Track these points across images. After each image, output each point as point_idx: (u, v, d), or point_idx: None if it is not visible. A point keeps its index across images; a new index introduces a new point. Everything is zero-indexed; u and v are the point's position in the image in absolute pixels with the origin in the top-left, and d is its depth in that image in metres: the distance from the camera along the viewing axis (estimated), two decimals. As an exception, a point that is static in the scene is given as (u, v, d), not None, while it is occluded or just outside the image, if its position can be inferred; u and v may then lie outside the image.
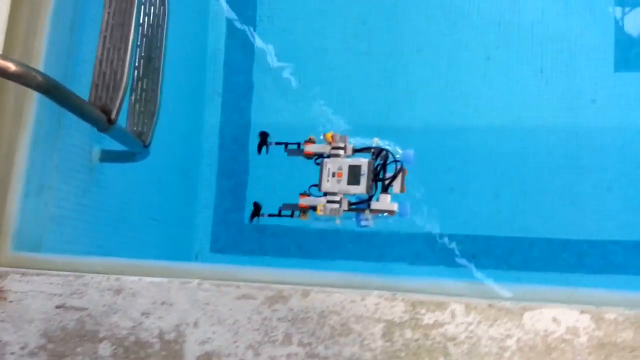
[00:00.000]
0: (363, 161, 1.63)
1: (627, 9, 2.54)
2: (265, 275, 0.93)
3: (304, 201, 1.67)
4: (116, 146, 1.39)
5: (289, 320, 0.91)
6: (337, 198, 1.63)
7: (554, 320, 0.86)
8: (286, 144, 1.78)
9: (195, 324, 0.91)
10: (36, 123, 1.21)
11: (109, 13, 1.18)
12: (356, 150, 1.66)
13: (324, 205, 1.64)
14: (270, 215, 1.77)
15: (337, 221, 1.69)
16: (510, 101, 2.53)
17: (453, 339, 0.86)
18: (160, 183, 2.02)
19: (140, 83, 1.31)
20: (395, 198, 1.71)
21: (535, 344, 0.85)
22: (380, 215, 1.72)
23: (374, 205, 1.65)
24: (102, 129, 1.13)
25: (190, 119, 2.53)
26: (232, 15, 2.67)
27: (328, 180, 1.64)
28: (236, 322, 0.91)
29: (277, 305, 0.91)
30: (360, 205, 1.66)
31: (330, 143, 1.65)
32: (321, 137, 1.70)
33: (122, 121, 1.33)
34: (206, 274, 0.93)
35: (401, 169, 1.66)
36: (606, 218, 2.47)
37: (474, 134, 2.56)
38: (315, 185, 1.69)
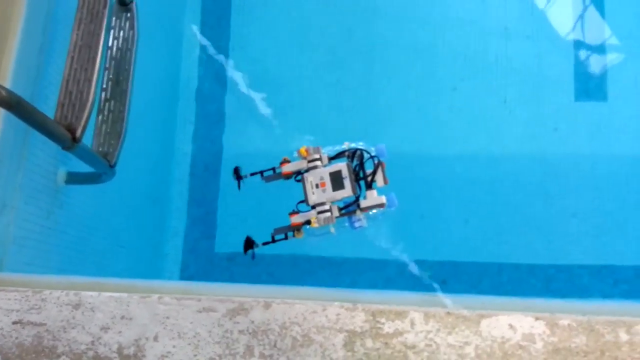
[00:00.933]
0: (341, 165, 1.67)
1: (585, 44, 2.66)
2: (226, 290, 0.93)
3: (296, 219, 1.69)
4: (83, 168, 1.39)
5: (251, 333, 0.91)
6: (326, 207, 1.66)
7: (510, 327, 0.88)
8: (261, 172, 1.80)
9: (155, 338, 0.91)
10: (0, 142, 1.21)
11: (77, 35, 1.20)
12: (332, 158, 1.70)
13: (316, 217, 1.65)
14: (264, 243, 1.78)
15: (332, 229, 1.71)
16: (477, 130, 2.60)
17: (413, 347, 0.87)
18: (128, 209, 2.00)
19: (107, 104, 1.32)
20: (380, 192, 1.74)
21: (493, 350, 0.86)
22: (371, 212, 1.74)
23: (363, 203, 1.68)
24: (66, 147, 1.13)
25: (162, 146, 2.53)
26: (206, 43, 2.71)
27: (313, 193, 1.67)
28: (197, 335, 0.90)
29: (239, 317, 0.91)
30: (350, 208, 1.68)
31: (305, 157, 1.68)
32: (295, 155, 1.73)
33: (88, 141, 1.34)
34: (167, 290, 0.93)
35: (379, 163, 1.71)
36: (572, 243, 2.53)
37: (442, 162, 2.62)
38: (302, 202, 1.71)
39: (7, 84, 1.21)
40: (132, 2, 1.39)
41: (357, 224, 1.71)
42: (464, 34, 2.68)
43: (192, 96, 2.68)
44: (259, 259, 2.57)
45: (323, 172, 1.65)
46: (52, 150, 1.27)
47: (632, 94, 2.58)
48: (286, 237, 1.71)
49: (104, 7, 1.20)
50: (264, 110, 2.65)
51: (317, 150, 1.66)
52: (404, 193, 2.57)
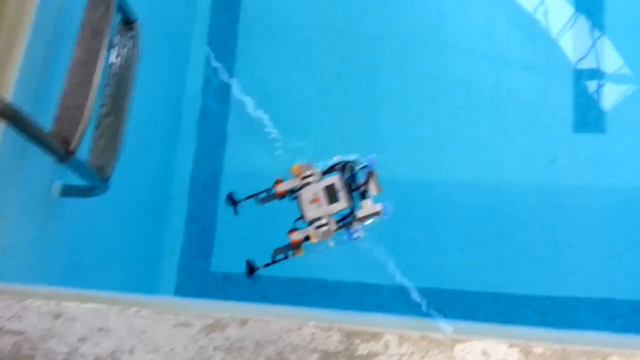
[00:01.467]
0: (334, 179, 1.70)
1: (586, 76, 2.69)
2: (203, 306, 0.95)
3: (295, 236, 1.71)
4: (79, 182, 1.41)
5: (225, 349, 0.92)
6: (323, 221, 1.67)
7: (484, 353, 0.88)
8: (255, 195, 1.82)
9: (131, 351, 0.92)
10: (-5, 154, 1.24)
11: (79, 51, 1.24)
12: (324, 173, 1.72)
13: (315, 232, 1.67)
14: (266, 265, 1.79)
15: (331, 243, 1.72)
16: (475, 158, 2.62)
17: (385, 370, 0.88)
18: (123, 224, 2.02)
19: (106, 119, 1.36)
20: (375, 200, 1.76)
21: (464, 376, 0.87)
22: (367, 222, 1.76)
23: (359, 213, 1.71)
24: (60, 159, 1.16)
25: (162, 163, 2.56)
26: (212, 64, 2.76)
27: (310, 209, 1.69)
28: (172, 350, 0.91)
29: (214, 333, 0.92)
30: (346, 220, 1.70)
31: (298, 175, 1.71)
32: (289, 174, 1.75)
33: (83, 155, 1.37)
34: (145, 304, 0.94)
35: (371, 172, 1.72)
36: (567, 274, 2.52)
37: (439, 188, 2.63)
38: (300, 219, 1.73)
39: (9, 96, 1.25)
40: (135, 22, 1.43)
41: (355, 235, 1.73)
42: (465, 62, 2.71)
43: (195, 114, 2.72)
44: (254, 280, 2.58)
45: (317, 188, 1.68)
46: (49, 164, 1.29)
47: (631, 127, 2.59)
48: (286, 257, 1.73)
49: (106, 26, 1.24)
50: (266, 131, 2.68)
51: (308, 167, 1.69)
52: (400, 218, 2.58)
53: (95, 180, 1.30)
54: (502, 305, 2.52)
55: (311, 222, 1.70)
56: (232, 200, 1.74)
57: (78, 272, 1.70)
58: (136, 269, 2.29)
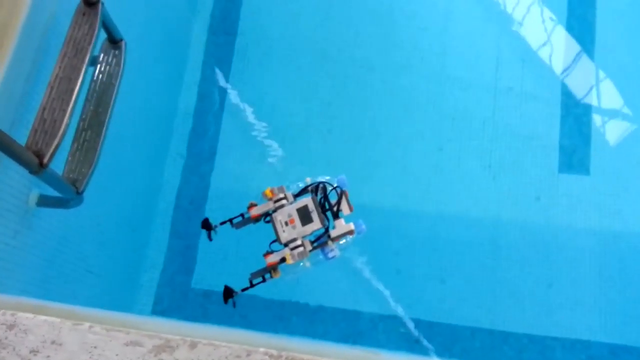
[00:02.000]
0: (307, 200, 1.72)
1: (573, 117, 2.72)
2: (155, 325, 0.96)
3: (271, 259, 1.73)
4: (56, 193, 1.44)
5: (173, 370, 0.93)
6: (298, 242, 1.70)
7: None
8: (230, 220, 1.84)
9: (81, 366, 0.93)
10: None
11: (60, 67, 1.27)
12: (296, 195, 1.75)
13: (290, 254, 1.69)
14: (243, 290, 1.81)
15: (307, 263, 1.74)
16: (459, 191, 2.64)
17: (327, 401, 0.89)
18: (103, 236, 2.04)
19: (84, 134, 1.39)
20: (347, 220, 1.78)
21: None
22: (342, 241, 1.77)
23: (333, 233, 1.72)
24: (33, 171, 1.18)
25: (150, 177, 2.59)
26: (220, 83, 2.81)
27: (284, 231, 1.71)
28: (121, 367, 0.93)
29: (164, 354, 0.94)
30: (321, 240, 1.72)
31: (271, 198, 1.73)
32: (261, 197, 1.78)
33: (59, 167, 1.39)
34: (98, 319, 0.96)
35: (342, 192, 1.75)
36: (546, 313, 2.53)
37: (423, 220, 2.65)
38: (275, 241, 1.75)
39: (-12, 107, 1.28)
40: (121, 40, 1.46)
41: (330, 255, 1.75)
42: (454, 96, 2.76)
43: (186, 132, 2.75)
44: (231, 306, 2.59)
45: (290, 210, 1.71)
46: (27, 173, 1.32)
47: (614, 172, 2.63)
48: (264, 280, 1.74)
49: (89, 44, 1.28)
50: (255, 152, 2.72)
51: (281, 190, 1.72)
52: (383, 247, 2.60)
53: (68, 193, 1.32)
54: (480, 340, 2.52)
55: (286, 244, 1.73)
56: (207, 225, 1.76)
57: (52, 281, 1.71)
58: (115, 282, 2.30)
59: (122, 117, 1.81)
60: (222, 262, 2.63)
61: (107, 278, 2.15)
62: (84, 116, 1.41)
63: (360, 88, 2.78)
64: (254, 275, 1.79)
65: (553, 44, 2.82)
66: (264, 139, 2.73)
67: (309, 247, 1.71)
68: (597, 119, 2.71)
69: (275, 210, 1.70)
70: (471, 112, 2.73)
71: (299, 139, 2.76)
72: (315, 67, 2.81)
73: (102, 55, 1.44)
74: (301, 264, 1.75)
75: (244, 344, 0.96)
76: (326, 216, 1.73)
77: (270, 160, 2.70)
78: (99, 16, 1.27)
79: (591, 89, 2.75)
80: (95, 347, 0.94)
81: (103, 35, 1.46)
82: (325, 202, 1.73)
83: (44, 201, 1.48)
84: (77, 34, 1.25)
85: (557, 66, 2.79)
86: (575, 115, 2.72)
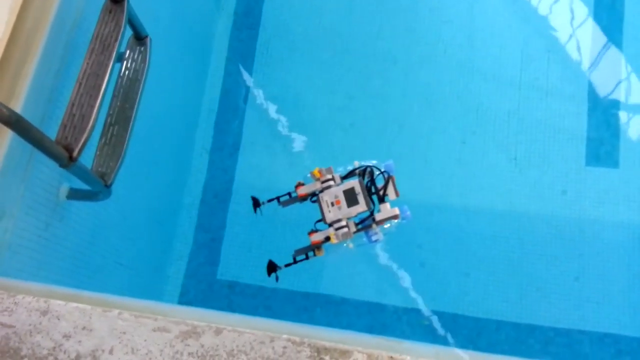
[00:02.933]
0: (354, 182, 1.75)
1: (600, 109, 2.68)
2: (182, 312, 0.99)
3: (315, 237, 1.76)
4: (85, 187, 1.48)
5: (199, 356, 0.95)
6: (343, 223, 1.72)
7: (445, 378, 0.90)
8: (277, 198, 1.86)
9: (111, 351, 0.96)
10: (7, 155, 1.31)
11: (87, 63, 1.31)
12: (343, 177, 1.78)
13: (334, 233, 1.71)
14: (286, 265, 1.84)
15: (350, 245, 1.77)
16: (483, 185, 2.63)
17: (348, 387, 0.90)
18: (132, 229, 2.09)
19: (111, 128, 1.42)
20: (393, 204, 1.79)
21: (425, 399, 0.88)
22: (386, 225, 1.79)
23: (378, 216, 1.74)
24: (63, 165, 1.22)
25: (176, 172, 2.64)
26: (244, 78, 2.84)
27: (330, 211, 1.74)
28: (149, 352, 0.96)
29: (190, 340, 0.96)
30: (365, 223, 1.74)
31: (319, 179, 1.77)
32: (308, 176, 1.81)
33: (88, 161, 1.43)
34: (127, 307, 0.99)
35: (389, 177, 1.77)
36: (573, 307, 2.50)
37: (447, 213, 2.64)
38: (320, 221, 1.78)
39: (20, 103, 1.33)
40: (146, 37, 1.50)
41: (373, 238, 1.78)
42: (478, 88, 2.73)
43: (211, 126, 2.79)
44: (258, 292, 2.62)
45: (337, 191, 1.73)
46: (57, 167, 1.36)
47: (642, 164, 2.58)
48: (307, 257, 1.77)
49: (115, 40, 1.31)
50: (278, 146, 2.74)
51: (329, 171, 1.75)
52: (407, 240, 2.60)
53: (97, 186, 1.36)
54: (505, 333, 2.51)
55: (331, 224, 1.75)
56: (255, 202, 1.81)
57: (82, 272, 1.76)
58: (143, 273, 2.35)
59: (148, 113, 1.85)
60: (246, 254, 2.67)
61: (136, 269, 2.20)
62: (111, 111, 1.45)
63: (383, 81, 2.77)
64: (298, 252, 1.83)
65: (579, 35, 2.77)
66: (287, 133, 2.75)
67: (353, 229, 1.73)
68: (625, 111, 2.67)
69: (322, 191, 1.73)
70: (496, 104, 2.71)
71: (321, 132, 2.77)
72: (338, 61, 2.82)
73: (128, 51, 1.48)
74: (344, 244, 1.78)
75: (267, 331, 0.98)
76: (372, 200, 1.76)
77: (293, 153, 2.72)
78: (124, 13, 1.31)
79: (619, 81, 2.70)
80: (124, 333, 0.97)
81: (129, 32, 1.49)
82: (371, 186, 1.75)
83: (74, 194, 1.52)
84: (103, 31, 1.28)
85: (584, 58, 2.74)
86: (603, 108, 2.68)
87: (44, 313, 1.00)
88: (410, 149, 2.70)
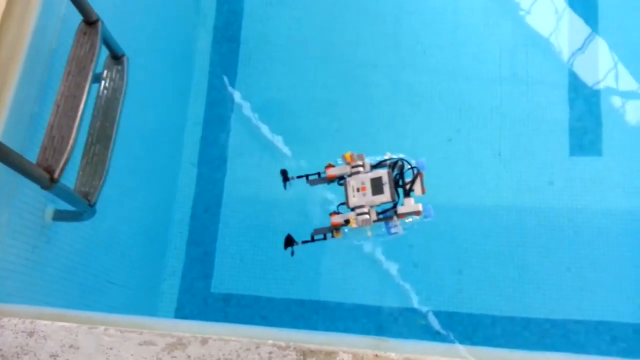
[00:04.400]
0: (382, 172, 1.78)
1: (581, 99, 2.71)
2: (167, 325, 1.00)
3: (336, 218, 1.78)
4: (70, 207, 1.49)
5: (186, 367, 0.96)
6: (365, 210, 1.73)
7: (429, 372, 0.91)
8: (307, 176, 1.90)
9: (99, 368, 0.97)
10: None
11: (65, 86, 1.33)
12: (374, 166, 1.79)
13: (355, 218, 1.72)
14: (304, 242, 1.85)
15: (369, 233, 1.80)
16: (471, 181, 2.65)
17: (333, 387, 0.91)
18: (122, 247, 2.10)
19: (93, 148, 1.44)
20: (417, 201, 1.84)
21: (409, 394, 0.90)
22: (407, 220, 1.81)
23: (400, 209, 1.77)
24: (44, 186, 1.23)
25: (164, 187, 2.65)
26: (212, 93, 2.86)
27: (354, 196, 1.76)
28: (136, 366, 0.97)
29: (176, 352, 0.97)
30: (387, 213, 1.76)
31: (349, 163, 1.79)
32: (339, 160, 1.84)
33: (71, 182, 1.45)
34: (112, 322, 1.00)
35: (418, 173, 1.79)
36: (566, 298, 2.51)
37: (437, 212, 2.65)
38: (343, 204, 1.81)
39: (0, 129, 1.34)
40: (123, 56, 1.52)
41: (393, 230, 1.79)
42: (460, 87, 2.76)
43: (197, 140, 2.81)
44: (253, 302, 2.63)
45: (365, 178, 1.76)
46: (41, 189, 1.37)
47: (626, 150, 2.60)
48: (325, 237, 1.79)
49: (91, 61, 1.33)
50: (265, 156, 2.76)
51: (360, 157, 1.78)
52: (398, 241, 2.61)
53: (81, 206, 1.37)
54: (501, 327, 2.52)
55: (353, 209, 1.76)
56: (284, 176, 1.82)
57: (72, 292, 1.77)
58: (136, 291, 2.35)
59: (132, 130, 1.87)
60: (239, 265, 2.68)
61: (129, 288, 2.21)
62: (91, 131, 1.46)
63: (365, 86, 2.80)
64: (317, 231, 1.85)
65: (557, 26, 2.81)
66: (274, 142, 2.77)
67: (374, 217, 1.76)
68: (605, 99, 2.70)
69: (350, 175, 1.74)
70: (478, 101, 2.73)
71: (307, 139, 2.79)
72: (319, 69, 2.84)
73: (105, 71, 1.49)
74: (364, 232, 1.80)
75: (253, 338, 0.99)
76: (397, 192, 1.77)
77: (281, 162, 2.74)
78: (99, 35, 1.32)
79: (599, 69, 2.73)
80: (110, 349, 0.98)
81: (106, 52, 1.51)
82: (399, 179, 1.77)
83: (59, 215, 1.53)
84: (79, 53, 1.30)
85: (563, 48, 2.77)
86: (584, 97, 2.71)
87: (31, 334, 1.01)
88: (396, 150, 2.71)
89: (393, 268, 2.59)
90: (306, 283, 2.63)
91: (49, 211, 1.52)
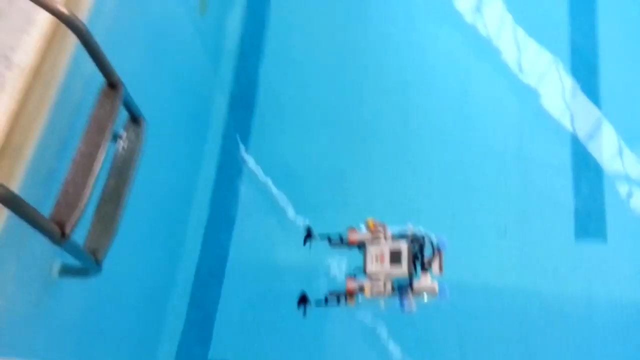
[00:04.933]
0: (403, 245, 1.81)
1: (586, 183, 2.74)
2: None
3: (351, 283, 1.79)
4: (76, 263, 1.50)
5: None
6: (381, 279, 1.75)
7: None
8: (329, 238, 1.93)
9: None
10: (1, 234, 1.35)
11: (84, 143, 1.38)
12: (395, 237, 1.80)
13: (370, 286, 1.74)
14: (317, 304, 1.89)
15: (382, 304, 1.81)
16: (475, 259, 2.64)
17: None
18: (122, 307, 2.09)
19: (105, 206, 1.47)
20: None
21: None
22: (423, 298, 1.78)
23: (416, 284, 1.77)
24: (55, 241, 1.26)
25: (170, 247, 2.65)
26: (224, 155, 2.93)
27: (372, 264, 1.78)
28: None
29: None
30: (403, 288, 1.78)
31: (371, 230, 1.80)
32: (362, 226, 1.86)
33: (80, 238, 1.47)
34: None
35: (439, 251, 1.78)
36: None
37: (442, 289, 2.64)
38: (360, 269, 1.83)
39: (18, 183, 1.38)
40: (142, 118, 1.58)
41: (406, 307, 1.79)
42: (465, 161, 2.81)
43: (206, 201, 2.84)
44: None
45: (384, 247, 1.79)
46: (50, 244, 1.39)
47: (631, 237, 2.60)
48: (338, 302, 1.79)
49: (111, 122, 1.39)
50: (273, 219, 2.79)
51: (383, 227, 1.81)
52: (399, 320, 2.58)
53: (88, 262, 1.39)
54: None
55: (370, 277, 1.78)
56: (309, 233, 1.93)
57: (72, 349, 1.75)
58: (133, 351, 2.32)
59: (143, 189, 1.90)
60: (239, 334, 2.64)
61: (126, 348, 2.18)
62: (105, 189, 1.50)
63: (372, 155, 2.87)
64: (332, 294, 1.85)
65: (562, 108, 2.89)
66: (282, 205, 2.80)
67: (389, 288, 1.76)
68: (610, 183, 2.73)
69: (371, 242, 1.77)
70: (483, 177, 2.78)
71: (316, 206, 2.82)
72: (330, 137, 2.92)
73: (124, 132, 1.55)
74: (377, 303, 1.79)
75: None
76: (415, 267, 1.78)
77: (288, 226, 2.76)
78: (120, 97, 1.39)
79: (602, 152, 2.78)
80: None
81: (125, 113, 1.58)
82: (419, 254, 1.79)
83: (66, 270, 1.54)
84: (100, 113, 1.36)
85: (568, 130, 2.83)
86: (589, 180, 2.74)
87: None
88: (398, 221, 2.73)
89: (393, 343, 2.54)
90: (306, 356, 2.59)
91: (56, 266, 1.53)
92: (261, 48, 3.08)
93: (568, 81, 2.93)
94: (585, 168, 2.77)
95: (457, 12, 3.10)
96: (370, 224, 1.86)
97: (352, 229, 1.89)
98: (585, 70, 2.95)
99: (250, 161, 2.90)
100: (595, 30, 2.99)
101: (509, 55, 2.99)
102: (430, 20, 3.12)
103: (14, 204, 1.09)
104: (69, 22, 1.14)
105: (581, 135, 2.81)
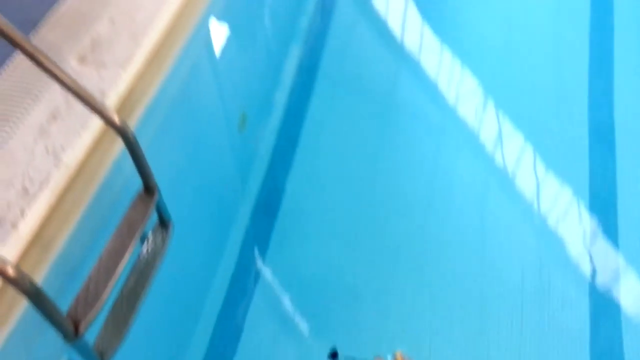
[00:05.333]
0: None
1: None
2: None
3: None
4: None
5: None
6: None
7: None
8: None
9: None
10: (16, 325, 1.35)
11: (112, 243, 1.42)
12: None
13: None
14: None
15: None
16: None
17: None
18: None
19: (119, 307, 1.47)
20: None
21: None
22: None
23: None
24: (67, 339, 1.25)
25: (174, 354, 2.58)
26: (242, 263, 2.94)
27: None
28: None
29: None
30: None
31: None
32: (389, 357, 1.79)
33: (91, 337, 1.46)
34: None
35: None
36: None
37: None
38: None
39: (43, 274, 1.41)
40: (170, 222, 1.62)
41: None
42: (481, 291, 2.77)
43: (215, 312, 2.79)
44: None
45: None
46: (61, 341, 1.38)
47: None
48: None
49: (142, 225, 1.43)
50: (282, 335, 2.73)
51: None
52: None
53: (95, 363, 1.37)
54: None
55: None
56: (334, 354, 1.90)
57: None
58: None
59: (156, 291, 1.90)
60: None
61: None
62: (123, 289, 1.51)
63: (389, 275, 2.84)
64: None
65: (581, 246, 2.89)
66: (293, 321, 2.75)
67: None
68: (629, 322, 2.67)
69: None
70: (499, 308, 2.73)
71: (326, 324, 2.76)
72: (348, 253, 2.93)
73: (151, 234, 1.59)
74: None
75: None
76: None
77: (295, 343, 2.69)
78: (154, 202, 1.45)
79: (621, 291, 2.74)
80: None
81: (155, 215, 1.62)
82: None
83: (70, 369, 1.51)
84: (133, 215, 1.41)
85: (585, 268, 2.82)
86: (606, 320, 2.68)
87: None
88: (414, 350, 2.66)
89: None
90: None
91: (63, 363, 1.51)
92: (291, 162, 3.21)
93: (587, 220, 2.96)
94: (602, 308, 2.72)
95: (485, 141, 3.24)
96: (399, 357, 1.82)
97: (379, 358, 1.85)
98: (603, 209, 2.99)
99: (266, 270, 2.90)
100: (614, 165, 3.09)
101: (527, 187, 3.06)
102: (459, 148, 3.26)
103: (36, 298, 1.11)
104: (120, 130, 1.22)
105: (600, 276, 2.80)
